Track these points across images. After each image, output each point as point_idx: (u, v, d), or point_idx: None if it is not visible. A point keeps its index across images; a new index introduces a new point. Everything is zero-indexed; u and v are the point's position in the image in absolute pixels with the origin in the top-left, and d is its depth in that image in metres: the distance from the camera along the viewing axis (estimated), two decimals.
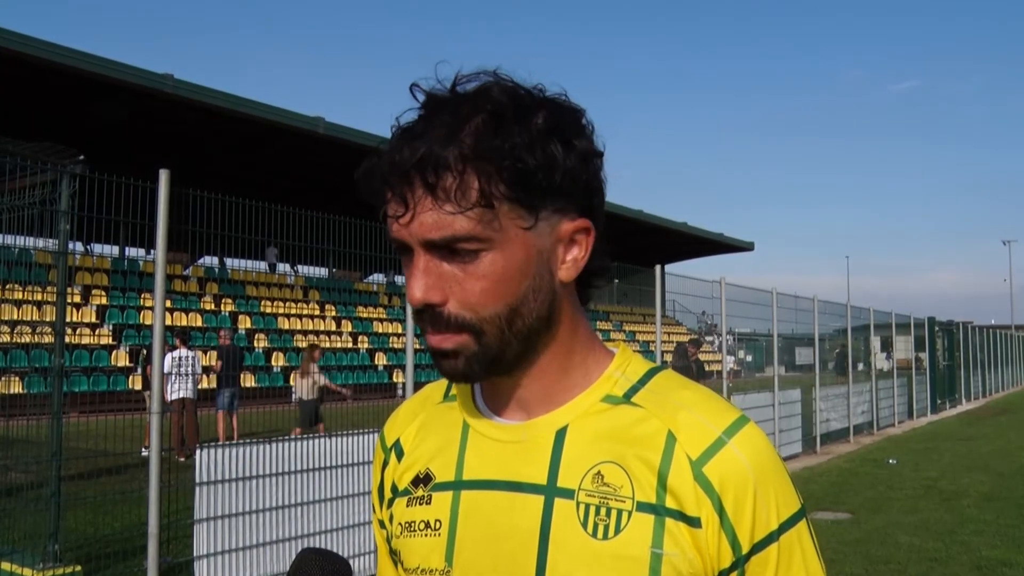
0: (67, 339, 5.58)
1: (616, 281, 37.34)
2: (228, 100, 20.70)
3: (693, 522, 0.83)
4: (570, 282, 0.89)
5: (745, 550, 0.84)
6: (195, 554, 4.95)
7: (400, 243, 0.85)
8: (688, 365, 12.99)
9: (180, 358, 11.97)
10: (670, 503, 0.84)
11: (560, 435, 0.88)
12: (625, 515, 0.84)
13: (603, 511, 0.84)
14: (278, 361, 22.97)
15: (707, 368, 14.10)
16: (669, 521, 0.83)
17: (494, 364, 0.86)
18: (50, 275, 6.27)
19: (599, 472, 0.86)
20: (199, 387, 12.75)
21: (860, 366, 19.04)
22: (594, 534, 0.84)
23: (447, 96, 0.84)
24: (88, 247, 21.12)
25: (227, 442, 5.35)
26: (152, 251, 5.13)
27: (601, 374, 0.92)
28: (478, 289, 0.83)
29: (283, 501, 5.31)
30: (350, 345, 24.89)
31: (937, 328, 24.31)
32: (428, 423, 1.00)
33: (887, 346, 21.64)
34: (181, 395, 11.86)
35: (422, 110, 0.84)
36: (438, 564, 0.90)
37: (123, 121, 20.58)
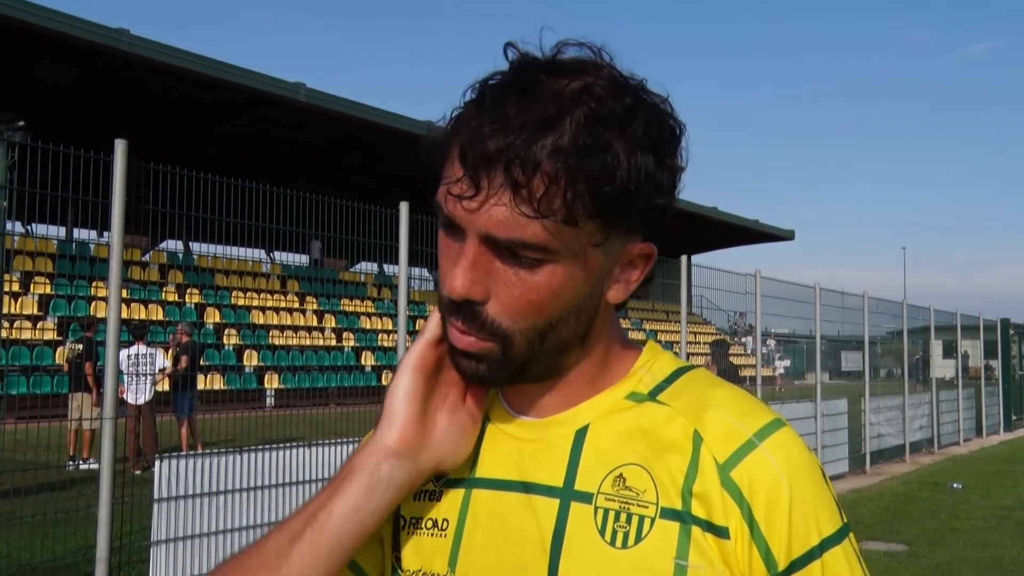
0: (3, 333, 5.54)
1: None
2: (194, 61, 20.65)
3: (721, 532, 0.85)
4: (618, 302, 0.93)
5: (782, 567, 0.85)
6: None
7: (452, 223, 0.86)
8: (725, 370, 12.98)
9: (137, 356, 11.96)
10: (697, 511, 0.86)
11: (580, 435, 0.92)
12: (648, 522, 0.86)
13: (623, 517, 0.87)
14: (251, 360, 22.98)
15: (740, 373, 14.06)
16: (696, 530, 0.85)
17: (517, 374, 0.91)
18: None
19: (621, 475, 0.88)
20: (157, 389, 12.74)
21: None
22: (612, 542, 0.86)
23: (547, 72, 0.85)
24: (29, 227, 21.13)
25: (190, 452, 5.32)
26: (106, 233, 5.10)
27: (626, 371, 0.95)
28: (526, 300, 0.85)
29: (255, 520, 5.29)
30: (333, 343, 24.93)
31: (1012, 331, 24.20)
32: None
33: (951, 351, 21.59)
34: (137, 399, 11.86)
35: (516, 82, 0.85)
36: (441, 569, 0.93)
37: (70, 84, 20.54)
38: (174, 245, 25.46)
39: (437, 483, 0.97)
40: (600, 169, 0.82)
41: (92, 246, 23.33)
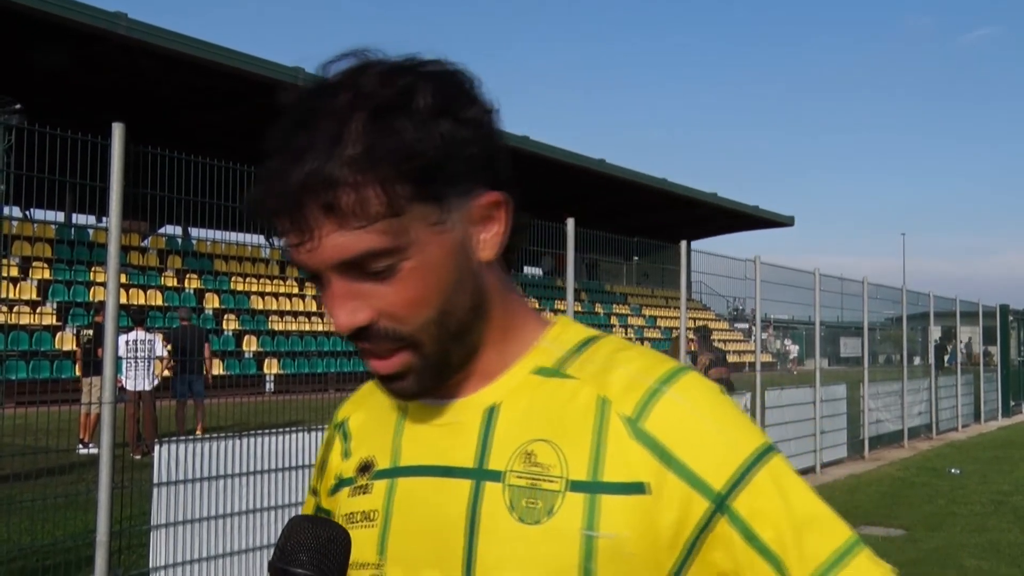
0: (3, 319, 5.53)
1: (636, 259, 37.38)
2: (191, 46, 20.57)
3: (638, 489, 0.86)
4: (493, 260, 0.93)
5: (720, 487, 0.87)
6: (151, 565, 4.92)
7: (308, 270, 0.89)
8: (722, 354, 12.96)
9: (136, 341, 11.95)
10: (608, 476, 0.87)
11: (490, 414, 0.94)
12: (556, 496, 0.87)
13: (533, 494, 0.88)
14: (250, 345, 23.00)
15: (740, 359, 13.94)
16: (605, 499, 0.86)
17: (443, 372, 0.92)
18: None
19: (529, 452, 0.90)
20: (159, 376, 12.77)
21: (916, 360, 19.01)
22: (523, 519, 0.88)
23: (318, 96, 0.87)
24: (27, 212, 21.10)
25: (190, 437, 5.32)
26: (104, 218, 5.07)
27: (533, 344, 0.97)
28: (405, 300, 0.87)
29: (255, 504, 5.29)
30: (332, 328, 24.88)
31: (1011, 317, 24.17)
32: (376, 406, 1.06)
33: (949, 337, 21.60)
34: (136, 385, 11.87)
35: (295, 115, 0.87)
36: (371, 557, 0.95)
37: (68, 68, 20.45)
38: (173, 230, 25.45)
39: (367, 477, 1.00)
40: (397, 156, 0.83)
41: (91, 231, 23.29)
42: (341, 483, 1.04)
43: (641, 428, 0.88)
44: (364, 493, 0.99)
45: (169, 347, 13.08)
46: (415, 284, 0.87)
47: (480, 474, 0.91)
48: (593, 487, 0.87)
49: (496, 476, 0.90)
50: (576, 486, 0.87)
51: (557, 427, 0.90)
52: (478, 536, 0.89)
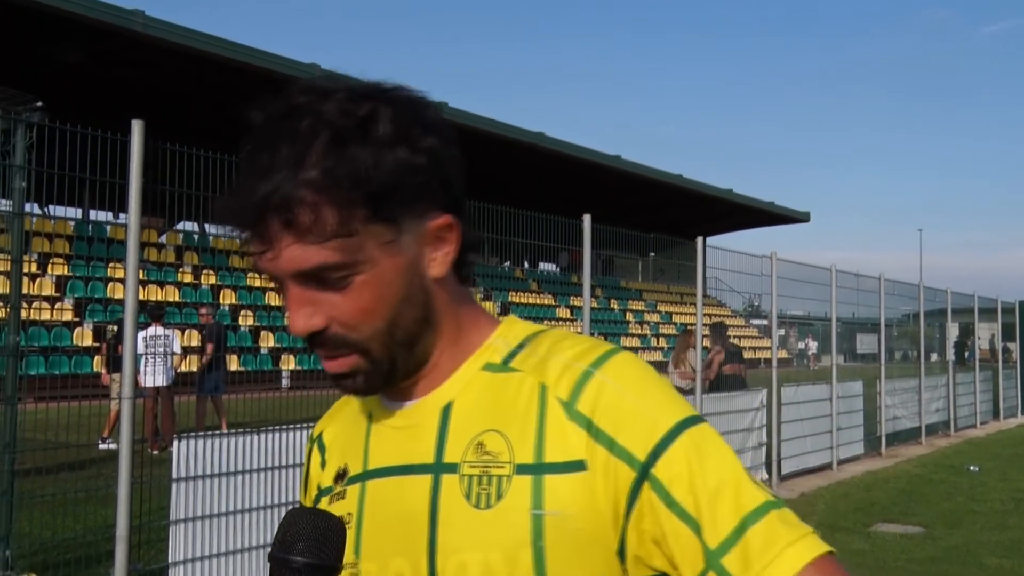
0: (23, 314, 5.56)
1: (651, 255, 37.31)
2: (207, 42, 20.66)
3: (577, 466, 0.93)
4: (444, 276, 0.99)
5: (643, 457, 0.92)
6: (170, 560, 4.96)
7: (269, 276, 0.97)
8: (738, 351, 12.91)
9: (155, 337, 12.01)
10: (550, 457, 0.94)
11: (445, 411, 1.01)
12: (505, 480, 0.94)
13: (484, 480, 0.95)
14: (267, 341, 23.06)
15: (755, 355, 13.81)
16: (549, 479, 0.93)
17: (391, 375, 1.00)
18: (1, 241, 6.25)
19: (480, 442, 0.97)
20: (177, 370, 12.81)
21: (934, 357, 18.88)
22: (477, 504, 0.94)
23: (285, 119, 0.93)
24: (46, 209, 21.18)
25: (209, 432, 5.35)
26: (122, 214, 5.08)
27: (481, 344, 1.04)
28: (356, 310, 0.95)
29: (272, 500, 5.32)
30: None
31: None
32: (346, 418, 1.13)
33: (968, 333, 21.43)
34: (155, 380, 11.91)
35: (263, 135, 0.94)
36: (349, 557, 0.99)
37: (86, 65, 20.57)
38: (190, 226, 25.56)
39: (342, 483, 1.07)
40: (352, 181, 0.90)
41: (108, 227, 23.38)
42: (321, 492, 1.11)
43: (575, 409, 0.94)
44: (340, 499, 1.06)
45: (211, 344, 13.12)
46: (366, 296, 0.94)
47: (438, 468, 0.98)
48: (538, 468, 0.94)
49: (453, 468, 0.97)
50: (522, 469, 0.94)
51: (505, 417, 0.97)
52: (438, 524, 0.96)
